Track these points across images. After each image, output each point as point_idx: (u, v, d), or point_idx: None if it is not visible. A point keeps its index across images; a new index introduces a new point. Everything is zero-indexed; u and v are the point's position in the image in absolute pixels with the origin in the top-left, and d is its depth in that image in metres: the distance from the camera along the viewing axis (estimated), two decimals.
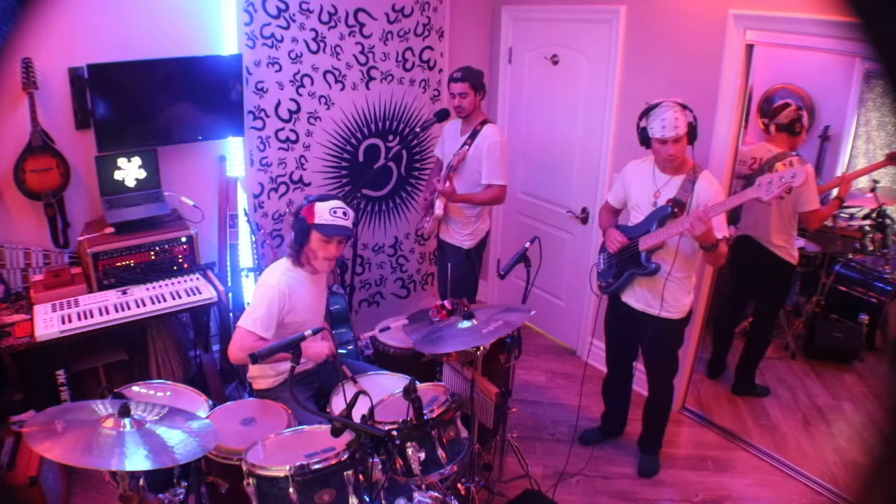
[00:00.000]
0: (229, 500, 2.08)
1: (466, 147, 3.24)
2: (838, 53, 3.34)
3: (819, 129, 4.23)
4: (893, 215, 4.03)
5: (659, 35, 3.24)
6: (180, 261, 3.13)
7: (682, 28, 3.12)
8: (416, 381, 2.08)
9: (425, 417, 2.07)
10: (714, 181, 2.66)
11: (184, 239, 3.11)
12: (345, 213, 2.41)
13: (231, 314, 3.36)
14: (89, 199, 3.15)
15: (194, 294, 2.98)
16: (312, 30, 3.53)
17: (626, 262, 2.79)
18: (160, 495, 2.06)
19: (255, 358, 1.97)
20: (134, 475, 1.88)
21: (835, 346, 3.99)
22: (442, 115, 3.35)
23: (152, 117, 3.17)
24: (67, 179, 2.96)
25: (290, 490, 1.81)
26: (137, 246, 3.00)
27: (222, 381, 3.28)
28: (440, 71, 4.09)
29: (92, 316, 2.74)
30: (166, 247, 3.08)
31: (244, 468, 1.90)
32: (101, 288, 2.94)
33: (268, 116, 3.53)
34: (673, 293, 2.72)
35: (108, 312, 2.78)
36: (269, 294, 2.39)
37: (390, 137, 4.05)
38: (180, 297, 2.95)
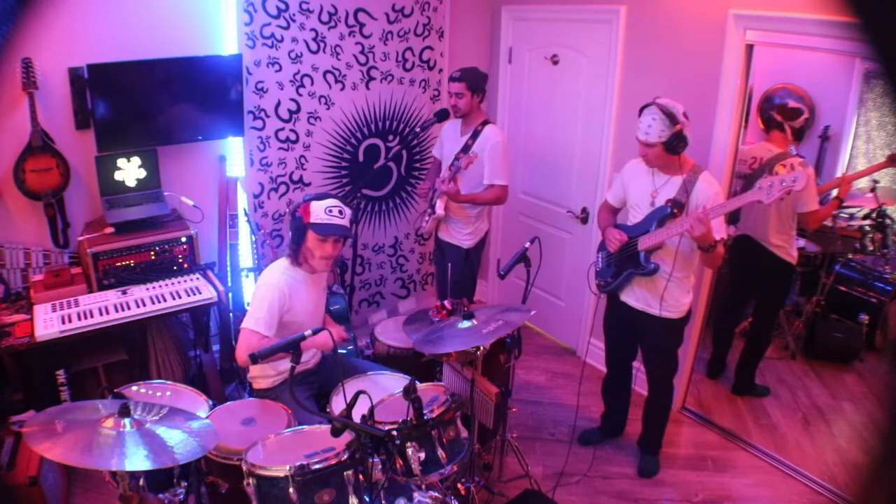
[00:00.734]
0: (229, 500, 2.08)
1: (474, 153, 3.22)
2: (838, 53, 3.34)
3: (819, 129, 4.23)
4: (893, 215, 4.03)
5: (659, 35, 3.24)
6: (180, 261, 3.13)
7: (682, 28, 3.12)
8: (416, 381, 2.08)
9: (425, 417, 2.06)
10: (713, 182, 2.66)
11: (184, 239, 3.11)
12: (341, 212, 2.40)
13: (231, 314, 3.35)
14: (89, 199, 3.15)
15: (194, 294, 2.98)
16: (312, 30, 3.53)
17: (625, 261, 2.79)
18: (160, 495, 2.06)
19: (256, 358, 1.97)
20: (134, 475, 1.88)
21: (835, 346, 3.99)
22: (442, 116, 3.35)
23: (152, 117, 3.17)
24: (67, 179, 2.96)
25: (290, 490, 1.81)
26: (137, 246, 3.00)
27: (222, 381, 3.28)
28: (440, 71, 4.09)
29: (92, 316, 2.74)
30: (166, 247, 3.08)
31: (244, 468, 1.90)
32: (101, 288, 2.94)
33: (268, 116, 3.53)
34: (672, 293, 2.72)
35: (108, 312, 2.78)
36: (269, 293, 2.39)
37: (390, 137, 4.05)
38: (180, 297, 2.95)
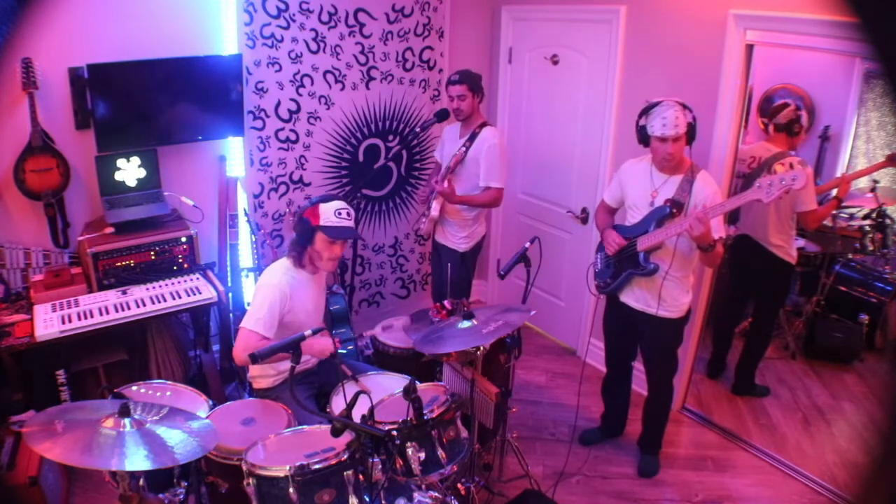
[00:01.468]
0: (229, 500, 2.08)
1: (464, 149, 3.24)
2: (838, 53, 3.34)
3: (819, 129, 4.23)
4: (893, 215, 4.03)
5: (659, 35, 3.24)
6: (180, 261, 3.13)
7: (683, 28, 3.12)
8: (416, 381, 2.08)
9: (425, 417, 2.06)
10: (712, 181, 2.66)
11: (184, 239, 3.11)
12: (349, 214, 2.44)
13: (231, 314, 3.36)
14: (89, 199, 3.15)
15: (194, 294, 2.98)
16: (312, 30, 3.53)
17: (625, 262, 2.79)
18: (160, 495, 2.06)
19: (256, 358, 1.97)
20: (134, 475, 1.88)
21: (835, 346, 3.99)
22: (442, 116, 3.35)
23: (152, 117, 3.17)
24: (67, 179, 2.96)
25: (290, 490, 1.81)
26: (137, 246, 3.00)
27: (222, 381, 3.28)
28: (440, 71, 4.09)
29: (92, 316, 2.74)
30: (166, 247, 3.08)
31: (244, 468, 1.90)
32: (101, 288, 2.94)
33: (268, 116, 3.53)
34: (671, 292, 2.72)
35: (108, 312, 2.78)
36: (270, 294, 2.39)
37: (390, 137, 4.05)
38: (180, 297, 2.95)
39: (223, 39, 3.34)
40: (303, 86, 3.60)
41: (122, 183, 3.12)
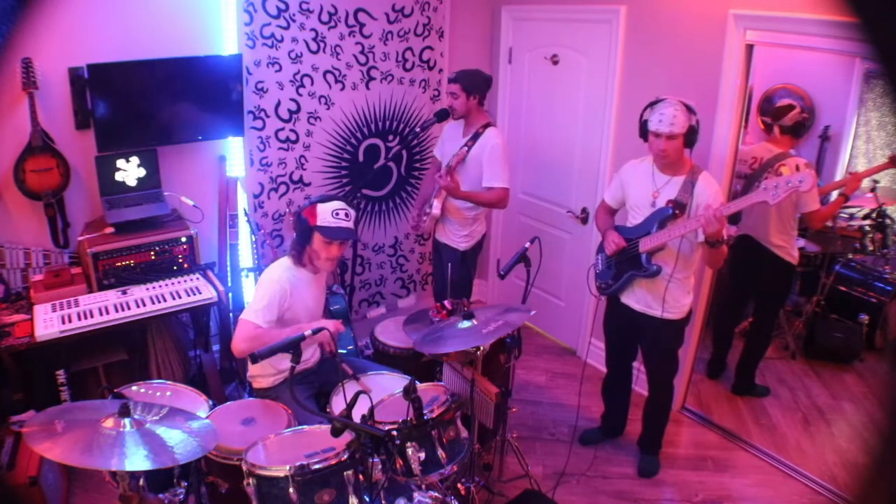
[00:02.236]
0: (229, 500, 2.09)
1: (466, 149, 3.23)
2: (838, 53, 3.34)
3: (819, 129, 4.23)
4: (893, 215, 4.03)
5: (659, 35, 3.24)
6: (180, 261, 3.13)
7: (682, 28, 3.12)
8: (416, 381, 2.08)
9: (425, 417, 2.06)
10: (713, 182, 2.66)
11: (184, 239, 3.11)
12: (347, 215, 2.43)
13: (231, 314, 3.36)
14: (89, 199, 3.15)
15: (194, 294, 2.98)
16: (312, 30, 3.53)
17: (626, 263, 2.79)
18: (160, 495, 2.06)
19: (255, 357, 1.98)
20: (134, 475, 1.88)
21: (835, 346, 3.99)
22: (442, 115, 3.35)
23: (152, 117, 3.17)
24: (67, 179, 2.96)
25: (290, 490, 1.81)
26: (137, 246, 3.00)
27: (222, 381, 3.28)
28: (440, 71, 4.09)
29: (92, 316, 2.74)
30: (166, 247, 3.08)
31: (244, 468, 1.90)
32: (101, 288, 2.94)
33: (268, 116, 3.53)
34: (673, 294, 2.72)
35: (108, 312, 2.78)
36: (271, 288, 2.41)
37: (390, 137, 4.05)
38: (180, 297, 2.95)
39: (223, 39, 3.34)
40: (303, 86, 3.60)
41: (122, 183, 3.12)
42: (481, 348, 2.32)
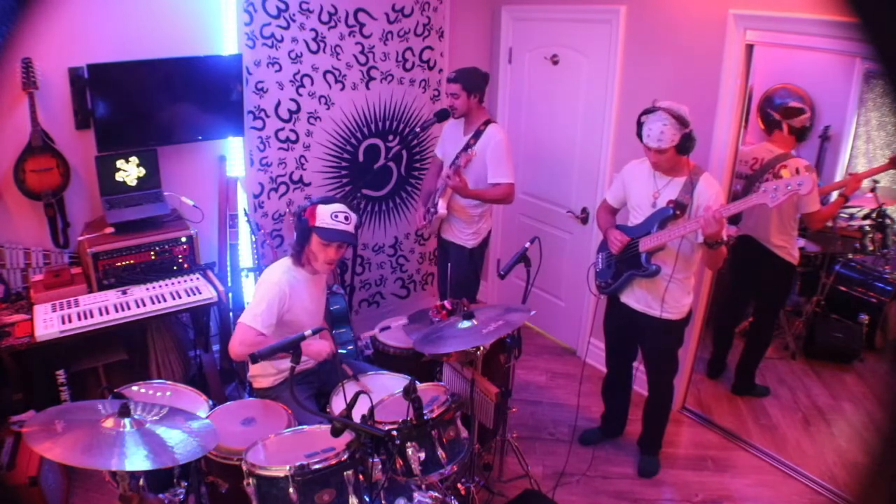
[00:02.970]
0: (229, 500, 2.08)
1: (474, 149, 3.23)
2: (838, 53, 3.34)
3: (819, 129, 4.23)
4: (893, 215, 4.03)
5: (659, 35, 3.24)
6: (180, 261, 3.13)
7: (682, 28, 3.12)
8: (416, 381, 2.08)
9: (425, 417, 2.06)
10: (714, 183, 2.66)
11: (184, 239, 3.11)
12: (346, 218, 2.40)
13: (231, 314, 3.36)
14: (89, 199, 3.15)
15: (194, 294, 2.98)
16: (312, 30, 3.53)
17: (626, 263, 2.79)
18: (160, 495, 2.06)
19: (255, 357, 1.98)
20: (134, 475, 1.88)
21: (835, 346, 3.99)
22: (442, 115, 3.35)
23: (152, 117, 3.17)
24: (67, 179, 2.96)
25: (290, 490, 1.81)
26: (137, 246, 3.00)
27: (222, 381, 3.28)
28: (440, 71, 4.09)
29: (92, 316, 2.74)
30: (166, 247, 3.08)
31: (244, 468, 1.90)
32: (101, 288, 2.94)
33: (268, 116, 3.53)
34: (673, 294, 2.72)
35: (108, 312, 2.78)
36: (270, 291, 2.39)
37: (390, 137, 4.05)
38: (180, 297, 2.95)
39: (223, 39, 3.34)
40: (303, 86, 3.60)
41: (122, 183, 3.12)
42: (481, 348, 2.32)
